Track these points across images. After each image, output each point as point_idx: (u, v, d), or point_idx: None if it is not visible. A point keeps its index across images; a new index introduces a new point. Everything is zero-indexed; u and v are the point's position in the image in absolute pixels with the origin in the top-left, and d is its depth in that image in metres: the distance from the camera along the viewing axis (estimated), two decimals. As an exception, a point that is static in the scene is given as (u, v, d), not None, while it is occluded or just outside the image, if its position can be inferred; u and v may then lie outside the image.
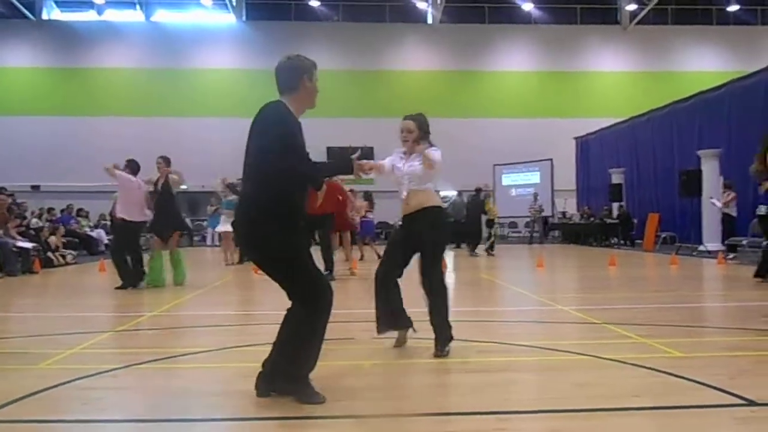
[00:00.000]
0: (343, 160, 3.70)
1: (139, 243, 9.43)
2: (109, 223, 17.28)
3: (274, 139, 3.23)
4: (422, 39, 29.29)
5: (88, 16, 29.24)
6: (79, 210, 20.19)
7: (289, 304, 3.42)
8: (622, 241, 20.10)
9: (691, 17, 29.82)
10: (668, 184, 17.83)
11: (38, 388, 3.57)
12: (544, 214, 23.18)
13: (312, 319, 3.32)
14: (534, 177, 24.98)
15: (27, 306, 7.85)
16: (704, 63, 28.41)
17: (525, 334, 5.37)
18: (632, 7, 29.11)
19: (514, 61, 29.24)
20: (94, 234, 18.88)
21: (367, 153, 4.42)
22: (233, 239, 12.06)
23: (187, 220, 24.67)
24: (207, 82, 27.87)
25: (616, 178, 21.38)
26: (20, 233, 12.52)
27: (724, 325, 5.96)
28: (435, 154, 4.38)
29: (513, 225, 26.57)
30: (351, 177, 3.79)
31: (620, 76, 29.11)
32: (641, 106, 21.87)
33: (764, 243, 9.06)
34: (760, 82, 14.97)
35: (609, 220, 20.67)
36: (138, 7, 29.22)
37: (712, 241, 14.78)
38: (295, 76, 3.44)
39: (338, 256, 11.21)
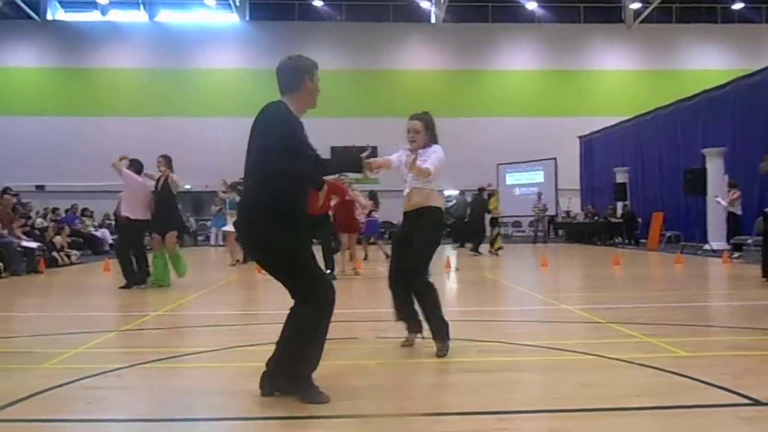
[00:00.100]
0: (352, 158, 3.71)
1: (143, 242, 9.47)
2: (113, 222, 17.33)
3: (275, 139, 3.23)
4: (425, 38, 29.25)
5: (92, 16, 29.33)
6: (84, 210, 20.26)
7: (292, 303, 3.42)
8: (626, 241, 20.05)
9: (695, 15, 29.72)
10: (673, 182, 17.78)
11: (43, 388, 3.58)
12: (548, 213, 23.14)
13: (314, 318, 3.32)
14: (538, 176, 24.93)
15: (32, 305, 7.87)
16: (709, 61, 28.28)
17: (529, 333, 5.36)
18: (636, 5, 29.04)
19: (517, 60, 29.16)
20: (98, 234, 18.95)
21: (373, 152, 4.43)
22: (236, 239, 12.07)
23: (191, 220, 24.41)
24: (211, 82, 27.90)
25: (621, 177, 21.33)
26: (25, 233, 12.56)
27: (730, 324, 5.94)
28: (431, 160, 4.39)
29: (517, 224, 26.53)
30: (358, 176, 3.79)
31: (624, 74, 29.01)
32: (645, 104, 21.79)
33: None
34: (764, 81, 14.91)
35: (613, 219, 20.62)
36: (142, 7, 29.28)
37: (717, 240, 14.75)
38: (296, 76, 3.44)
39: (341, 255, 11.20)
